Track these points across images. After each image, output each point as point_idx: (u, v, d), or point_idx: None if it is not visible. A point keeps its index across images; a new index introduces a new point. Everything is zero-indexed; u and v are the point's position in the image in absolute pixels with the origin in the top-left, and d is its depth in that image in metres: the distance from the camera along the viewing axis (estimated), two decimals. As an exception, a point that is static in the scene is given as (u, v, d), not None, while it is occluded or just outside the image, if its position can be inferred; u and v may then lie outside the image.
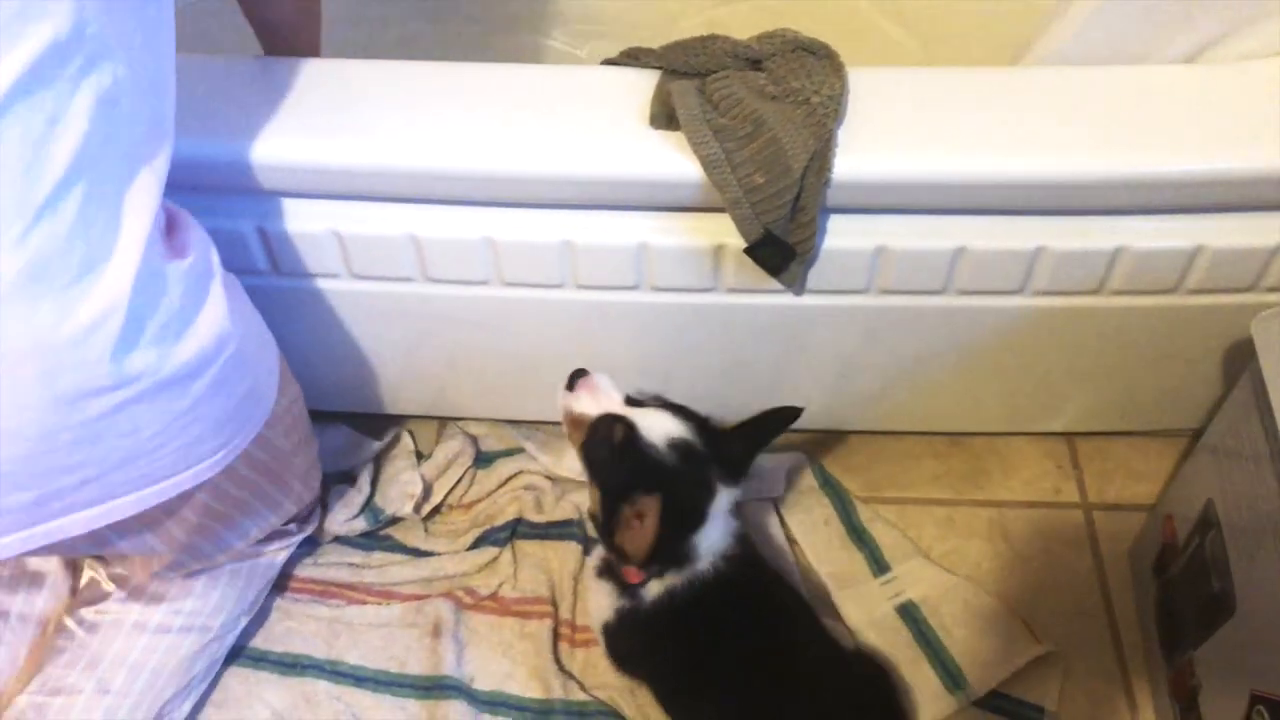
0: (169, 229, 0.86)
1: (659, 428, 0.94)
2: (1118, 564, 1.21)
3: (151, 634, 1.05)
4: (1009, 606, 1.17)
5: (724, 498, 0.96)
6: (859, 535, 1.23)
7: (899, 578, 1.19)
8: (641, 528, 0.89)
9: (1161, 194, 0.96)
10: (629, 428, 0.93)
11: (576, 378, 1.00)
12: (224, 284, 0.88)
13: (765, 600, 1.02)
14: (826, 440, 1.32)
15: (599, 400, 0.98)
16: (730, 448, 0.97)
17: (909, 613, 1.16)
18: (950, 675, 1.11)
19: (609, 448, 0.93)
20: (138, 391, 0.78)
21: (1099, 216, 0.99)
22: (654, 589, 0.98)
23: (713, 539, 0.96)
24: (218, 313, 0.85)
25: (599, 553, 1.03)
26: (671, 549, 0.94)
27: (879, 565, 1.21)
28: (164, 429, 0.82)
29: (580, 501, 1.26)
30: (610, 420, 0.94)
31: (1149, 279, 1.02)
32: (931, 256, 1.01)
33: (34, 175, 0.69)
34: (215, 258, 0.88)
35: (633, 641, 1.02)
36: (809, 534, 1.24)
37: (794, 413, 1.01)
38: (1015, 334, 1.10)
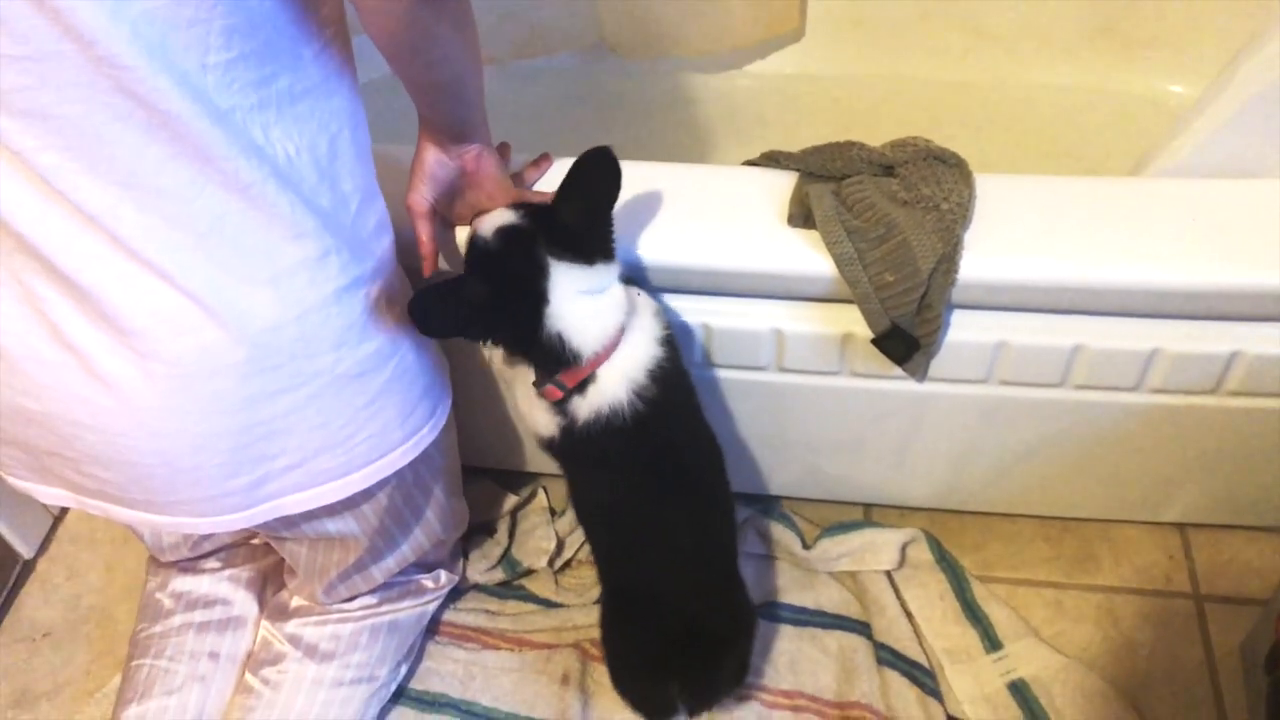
0: None
1: (489, 223, 0.95)
2: (1229, 657, 1.22)
3: (329, 688, 1.16)
4: (1119, 691, 1.19)
5: (568, 273, 0.93)
6: (973, 612, 1.27)
7: (1011, 655, 1.23)
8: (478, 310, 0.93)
9: (1278, 303, 0.99)
10: (473, 235, 0.96)
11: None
12: (398, 298, 0.94)
13: (673, 450, 1.04)
14: (942, 518, 1.36)
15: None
16: (562, 221, 0.95)
17: (1020, 690, 1.20)
18: (1058, 755, 1.14)
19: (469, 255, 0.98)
20: (319, 387, 0.87)
21: (1215, 322, 1.02)
22: (583, 412, 0.98)
23: (586, 330, 0.94)
24: (389, 324, 0.92)
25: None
26: (521, 328, 0.94)
27: (992, 642, 1.24)
28: (351, 420, 0.92)
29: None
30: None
31: (1265, 382, 1.05)
32: (1050, 353, 1.06)
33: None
34: (394, 275, 0.95)
35: (572, 452, 1.03)
36: (924, 608, 1.28)
37: (603, 153, 0.94)
38: (1129, 428, 1.14)
